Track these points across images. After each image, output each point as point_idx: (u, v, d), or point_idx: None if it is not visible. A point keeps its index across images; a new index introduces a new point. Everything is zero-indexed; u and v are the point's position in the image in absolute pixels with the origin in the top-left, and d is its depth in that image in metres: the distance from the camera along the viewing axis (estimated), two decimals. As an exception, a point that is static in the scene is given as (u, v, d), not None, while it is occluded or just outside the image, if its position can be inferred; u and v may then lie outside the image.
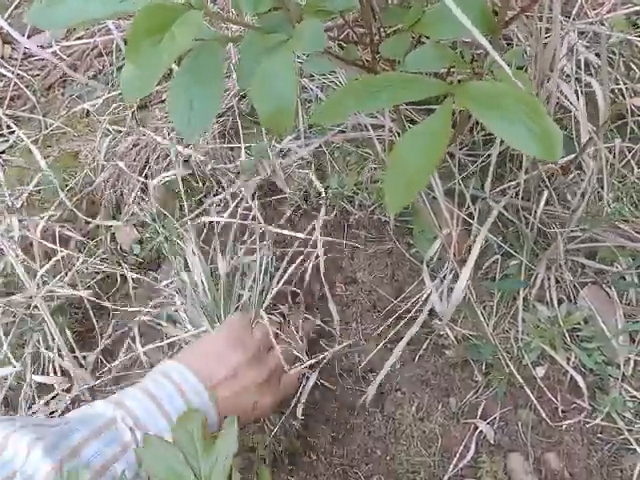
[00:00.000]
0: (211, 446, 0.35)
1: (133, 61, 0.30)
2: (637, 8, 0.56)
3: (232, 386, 0.49)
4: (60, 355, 0.65)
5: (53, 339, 0.65)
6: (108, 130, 0.74)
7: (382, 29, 0.44)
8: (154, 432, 0.42)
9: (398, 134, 0.61)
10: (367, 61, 0.48)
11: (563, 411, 0.59)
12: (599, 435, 0.59)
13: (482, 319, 0.57)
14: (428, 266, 0.61)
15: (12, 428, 0.38)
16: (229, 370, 0.49)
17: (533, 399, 0.59)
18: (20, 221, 0.71)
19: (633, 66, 0.55)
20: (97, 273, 0.72)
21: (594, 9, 0.53)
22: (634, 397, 0.57)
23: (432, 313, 0.64)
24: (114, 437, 0.41)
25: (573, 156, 0.51)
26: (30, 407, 0.65)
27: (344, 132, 0.68)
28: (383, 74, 0.38)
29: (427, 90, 0.34)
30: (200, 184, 0.72)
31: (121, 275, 0.72)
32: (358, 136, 0.65)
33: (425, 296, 0.60)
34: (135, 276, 0.72)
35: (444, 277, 0.58)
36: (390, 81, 0.36)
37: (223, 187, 0.72)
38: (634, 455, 0.57)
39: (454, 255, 0.55)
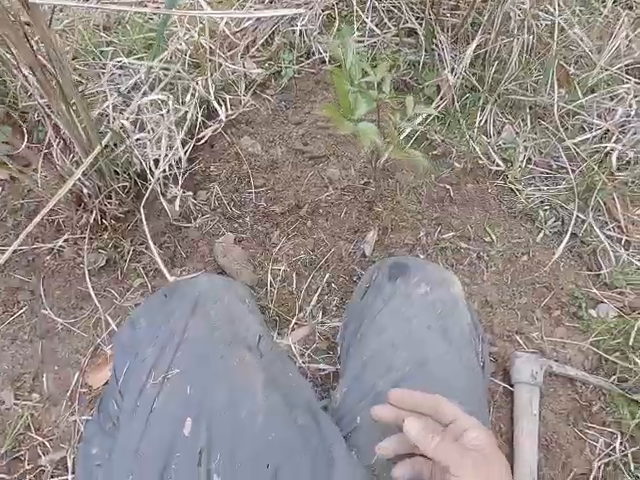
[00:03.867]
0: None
1: None
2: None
3: None
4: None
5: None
6: None
7: None
8: None
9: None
10: None
11: (489, 176, 1.14)
12: (505, 195, 1.14)
13: (461, 125, 1.12)
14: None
15: None
16: None
17: (482, 165, 1.14)
18: None
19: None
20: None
21: None
22: (526, 171, 1.13)
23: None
24: None
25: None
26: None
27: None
28: None
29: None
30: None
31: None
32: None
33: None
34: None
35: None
36: None
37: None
38: (520, 204, 1.12)
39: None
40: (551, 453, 0.92)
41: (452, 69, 1.13)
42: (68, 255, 1.02)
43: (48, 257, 1.02)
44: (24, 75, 0.84)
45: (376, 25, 1.20)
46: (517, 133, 1.16)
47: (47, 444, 0.88)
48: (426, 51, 1.17)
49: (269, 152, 1.16)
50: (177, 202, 1.01)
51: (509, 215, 1.12)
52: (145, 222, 0.95)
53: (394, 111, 0.83)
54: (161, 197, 0.99)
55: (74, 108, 0.84)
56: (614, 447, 0.90)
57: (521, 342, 1.00)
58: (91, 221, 0.99)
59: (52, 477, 0.86)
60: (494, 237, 1.09)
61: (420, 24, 1.18)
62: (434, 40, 1.16)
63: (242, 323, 0.70)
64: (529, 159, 1.14)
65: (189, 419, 0.56)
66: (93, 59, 1.11)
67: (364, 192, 1.11)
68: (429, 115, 1.17)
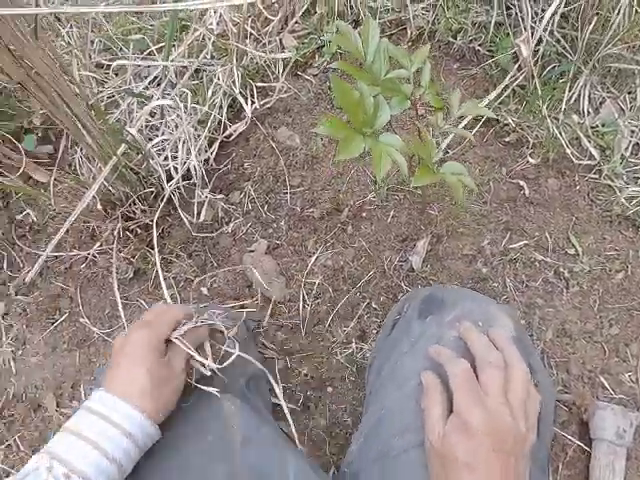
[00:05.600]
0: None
1: None
2: None
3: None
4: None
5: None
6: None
7: None
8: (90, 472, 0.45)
9: None
10: None
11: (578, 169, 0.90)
12: (600, 194, 0.89)
13: (542, 104, 0.88)
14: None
15: None
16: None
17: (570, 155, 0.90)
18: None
19: None
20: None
21: None
22: (631, 163, 0.87)
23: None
24: None
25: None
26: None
27: None
28: None
29: None
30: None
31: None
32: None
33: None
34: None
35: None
36: None
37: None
38: (619, 207, 0.87)
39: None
40: (636, 529, 0.74)
41: (532, 30, 0.88)
42: (101, 264, 1.00)
43: (83, 265, 1.01)
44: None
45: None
46: (622, 110, 0.90)
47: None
48: (500, 7, 0.93)
49: (308, 145, 1.02)
50: (203, 210, 0.93)
51: (603, 220, 0.88)
52: (170, 231, 0.88)
53: (436, 111, 0.64)
54: (179, 210, 0.91)
55: (81, 119, 0.78)
56: None
57: (606, 385, 0.80)
58: (116, 230, 0.94)
59: None
60: (580, 249, 0.87)
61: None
62: (512, -7, 0.91)
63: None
64: (636, 146, 0.88)
65: None
66: (120, 50, 1.03)
67: (416, 190, 0.94)
68: (505, 88, 0.94)
